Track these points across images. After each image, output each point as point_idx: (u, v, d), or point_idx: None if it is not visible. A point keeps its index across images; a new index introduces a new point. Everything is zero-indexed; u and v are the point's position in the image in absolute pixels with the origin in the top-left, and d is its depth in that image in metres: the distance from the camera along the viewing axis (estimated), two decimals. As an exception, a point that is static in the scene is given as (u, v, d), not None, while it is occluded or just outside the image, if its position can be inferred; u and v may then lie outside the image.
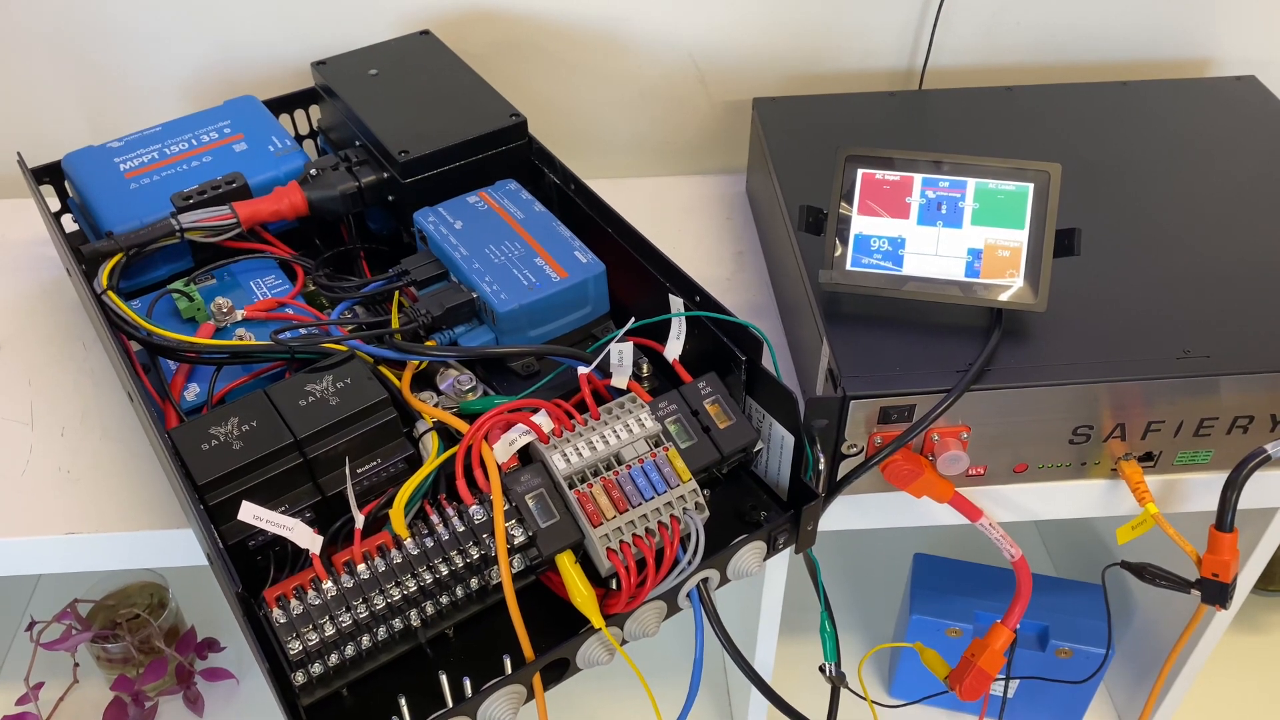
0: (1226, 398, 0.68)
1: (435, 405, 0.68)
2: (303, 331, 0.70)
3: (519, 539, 0.58)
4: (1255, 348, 0.69)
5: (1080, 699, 1.02)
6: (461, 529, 0.58)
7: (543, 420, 0.62)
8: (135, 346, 0.71)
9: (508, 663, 0.57)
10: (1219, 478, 0.69)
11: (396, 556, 0.57)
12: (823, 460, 0.67)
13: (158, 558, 0.71)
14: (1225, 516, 0.68)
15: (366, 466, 0.63)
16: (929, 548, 1.06)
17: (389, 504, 0.60)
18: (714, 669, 1.10)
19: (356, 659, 0.57)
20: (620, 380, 0.67)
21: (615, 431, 0.61)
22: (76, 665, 1.05)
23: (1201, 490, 0.73)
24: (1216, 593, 0.71)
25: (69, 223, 0.86)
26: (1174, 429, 0.70)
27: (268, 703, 1.05)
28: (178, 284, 0.75)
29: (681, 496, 0.60)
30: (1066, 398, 0.68)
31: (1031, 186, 0.70)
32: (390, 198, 0.81)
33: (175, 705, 1.06)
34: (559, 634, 0.59)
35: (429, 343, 0.71)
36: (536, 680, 0.59)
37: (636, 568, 0.58)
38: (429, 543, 0.57)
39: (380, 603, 0.56)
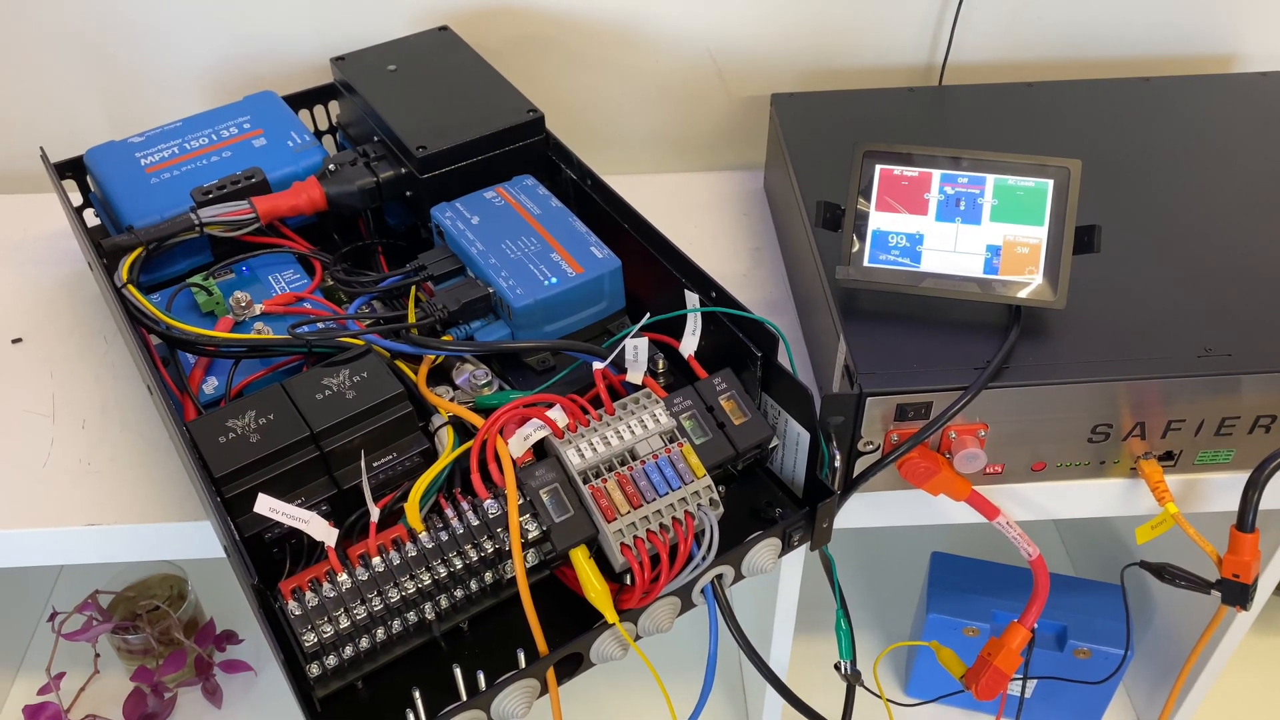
0: (1248, 397, 0.67)
1: (451, 399, 0.68)
2: (320, 326, 0.70)
3: (533, 533, 0.58)
4: (1278, 346, 0.68)
5: (1099, 700, 1.01)
6: (476, 523, 0.58)
7: (557, 415, 0.62)
8: (155, 340, 0.71)
9: (521, 657, 0.57)
10: (1240, 477, 0.68)
11: (411, 550, 0.57)
12: (839, 457, 0.67)
13: (177, 549, 0.72)
14: (1246, 517, 0.68)
15: (382, 460, 0.63)
16: (946, 546, 1.05)
17: (404, 497, 0.60)
18: (729, 666, 1.10)
19: (371, 652, 0.58)
20: (635, 376, 0.67)
21: (630, 427, 0.61)
22: (97, 656, 1.06)
23: (1222, 490, 0.73)
24: (1237, 594, 0.70)
25: (90, 217, 0.87)
26: (1195, 428, 0.69)
27: (285, 695, 1.06)
28: (197, 278, 0.76)
29: (696, 493, 0.60)
30: (1085, 396, 0.67)
31: (1051, 183, 0.69)
32: (408, 193, 0.81)
33: (194, 696, 1.07)
34: (573, 629, 0.59)
35: (445, 337, 0.71)
36: (550, 675, 0.59)
37: (650, 563, 0.58)
38: (444, 536, 0.58)
39: (395, 596, 0.56)
